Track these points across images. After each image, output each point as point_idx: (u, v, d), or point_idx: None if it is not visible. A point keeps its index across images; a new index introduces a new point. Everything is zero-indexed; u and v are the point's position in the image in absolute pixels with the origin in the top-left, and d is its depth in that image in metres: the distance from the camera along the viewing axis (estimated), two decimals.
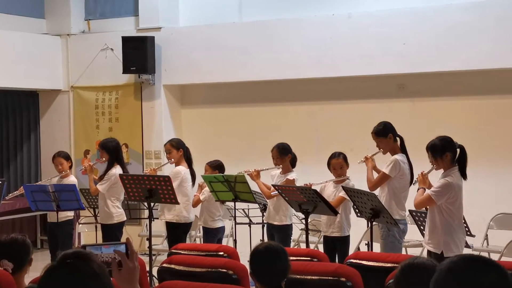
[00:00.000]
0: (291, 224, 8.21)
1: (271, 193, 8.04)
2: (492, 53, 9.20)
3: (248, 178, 8.14)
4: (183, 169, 8.42)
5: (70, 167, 8.93)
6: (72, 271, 2.41)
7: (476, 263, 2.28)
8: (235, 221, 8.46)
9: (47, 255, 9.57)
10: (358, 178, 7.69)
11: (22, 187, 8.99)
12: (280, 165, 8.13)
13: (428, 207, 6.45)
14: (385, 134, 7.33)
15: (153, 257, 8.67)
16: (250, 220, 8.76)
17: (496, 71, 9.47)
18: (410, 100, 10.11)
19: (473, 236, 8.05)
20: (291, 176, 8.04)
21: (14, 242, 4.36)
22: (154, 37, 11.21)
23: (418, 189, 6.48)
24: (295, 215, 8.31)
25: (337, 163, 7.74)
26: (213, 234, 8.63)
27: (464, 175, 6.34)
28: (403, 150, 7.36)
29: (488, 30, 9.24)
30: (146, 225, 9.70)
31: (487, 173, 9.36)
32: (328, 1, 10.44)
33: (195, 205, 8.68)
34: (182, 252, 6.12)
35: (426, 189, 6.40)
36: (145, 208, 8.26)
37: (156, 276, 5.82)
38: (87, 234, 10.89)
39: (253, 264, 4.17)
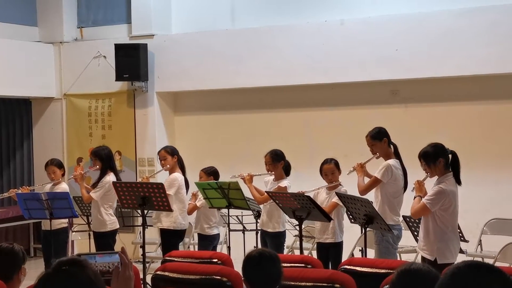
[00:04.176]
0: (285, 231, 8.21)
1: (265, 203, 8.05)
2: (485, 59, 9.23)
3: (241, 183, 8.15)
4: (179, 175, 8.42)
5: (63, 175, 8.92)
6: (67, 277, 2.41)
7: (480, 269, 2.30)
8: (229, 228, 8.45)
9: (40, 263, 9.54)
10: (350, 184, 7.69)
11: (11, 190, 8.96)
12: (272, 172, 8.13)
13: (424, 215, 6.44)
14: (379, 137, 7.36)
15: (147, 265, 8.65)
16: (244, 227, 8.76)
17: (489, 77, 9.50)
18: (403, 106, 10.13)
19: (467, 241, 8.06)
20: (283, 183, 8.04)
21: (0, 251, 4.30)
22: (147, 44, 11.21)
23: (415, 197, 6.47)
24: (288, 221, 8.30)
25: (329, 168, 7.74)
26: (208, 241, 8.62)
27: (458, 181, 6.35)
28: (397, 156, 7.38)
29: (480, 36, 9.27)
30: (140, 232, 9.68)
31: (480, 179, 9.37)
32: (320, 7, 10.46)
33: (190, 212, 8.67)
34: (176, 260, 6.11)
35: (422, 197, 6.40)
36: (138, 215, 8.25)
37: (150, 283, 5.80)
38: (80, 242, 10.86)
39: (246, 271, 4.17)
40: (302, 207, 7.21)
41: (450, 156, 6.37)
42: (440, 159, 6.28)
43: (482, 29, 9.27)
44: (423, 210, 6.28)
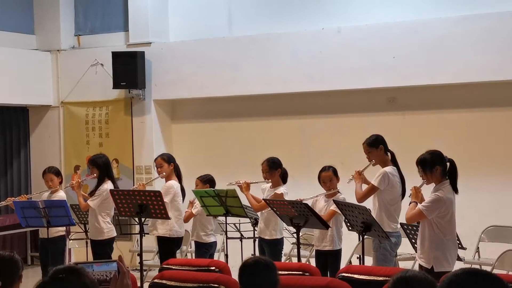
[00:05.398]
0: (282, 238, 8.20)
1: (262, 210, 8.06)
2: (481, 66, 9.25)
3: (238, 191, 8.16)
4: (175, 183, 8.41)
5: (61, 183, 8.90)
6: (64, 285, 2.41)
7: (478, 276, 2.31)
8: (226, 235, 8.44)
9: (38, 271, 9.51)
10: (348, 192, 7.69)
11: (8, 198, 8.95)
12: (269, 179, 8.14)
13: (419, 220, 6.44)
14: (376, 145, 7.37)
15: (144, 273, 8.64)
16: (241, 234, 8.75)
17: (485, 84, 9.52)
18: (400, 113, 10.14)
19: (465, 248, 8.05)
20: (279, 190, 8.04)
21: (1, 259, 4.32)
22: (144, 52, 11.22)
23: (410, 203, 6.46)
24: (286, 229, 8.30)
25: (326, 176, 7.74)
26: (205, 249, 8.62)
27: (455, 189, 6.34)
28: (394, 163, 7.38)
29: (477, 43, 9.30)
30: (137, 240, 9.67)
31: (478, 186, 9.38)
32: (317, 15, 10.48)
33: (186, 220, 8.67)
34: (174, 267, 6.11)
35: (418, 203, 6.39)
36: (135, 223, 8.24)
37: None
38: (77, 250, 10.85)
39: (242, 278, 4.16)
40: (300, 215, 7.21)
41: (448, 164, 6.36)
42: (437, 167, 6.27)
43: (478, 36, 9.29)
44: (418, 216, 6.27)
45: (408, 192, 6.72)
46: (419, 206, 6.27)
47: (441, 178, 6.30)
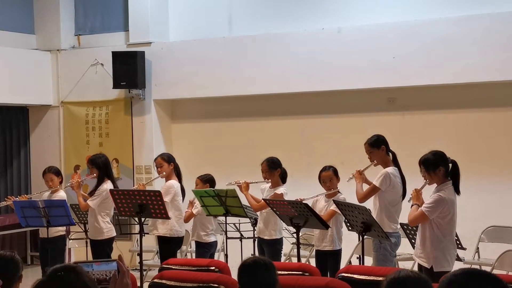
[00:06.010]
0: (281, 238, 8.20)
1: (261, 210, 8.06)
2: (481, 66, 9.25)
3: (237, 191, 8.16)
4: (175, 183, 8.41)
5: (61, 183, 8.91)
6: (62, 284, 2.41)
7: (477, 277, 2.31)
8: (226, 235, 8.44)
9: (37, 271, 9.52)
10: (349, 192, 7.69)
11: (8, 197, 8.95)
12: (269, 179, 8.14)
13: (422, 222, 6.43)
14: (378, 145, 7.36)
15: (144, 273, 8.64)
16: (241, 234, 8.75)
17: (485, 84, 9.52)
18: (400, 113, 10.14)
19: (464, 249, 8.06)
20: (279, 190, 8.04)
21: (2, 259, 4.33)
22: (144, 52, 11.22)
23: (412, 205, 6.46)
24: (286, 229, 8.30)
25: (326, 175, 7.74)
26: (205, 249, 8.62)
27: (457, 190, 6.34)
28: (395, 164, 7.38)
29: (476, 43, 9.29)
30: (137, 240, 9.67)
31: (478, 186, 9.37)
32: (317, 15, 10.48)
33: (187, 220, 8.67)
34: (173, 267, 6.11)
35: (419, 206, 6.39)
36: (135, 223, 8.24)
37: None
38: (77, 250, 10.85)
39: (241, 278, 4.16)
40: (300, 215, 7.21)
41: (450, 165, 6.36)
42: (440, 167, 6.27)
43: (478, 36, 9.29)
44: (421, 217, 6.27)
45: (409, 193, 6.72)
46: (421, 208, 6.26)
47: (444, 179, 6.30)
